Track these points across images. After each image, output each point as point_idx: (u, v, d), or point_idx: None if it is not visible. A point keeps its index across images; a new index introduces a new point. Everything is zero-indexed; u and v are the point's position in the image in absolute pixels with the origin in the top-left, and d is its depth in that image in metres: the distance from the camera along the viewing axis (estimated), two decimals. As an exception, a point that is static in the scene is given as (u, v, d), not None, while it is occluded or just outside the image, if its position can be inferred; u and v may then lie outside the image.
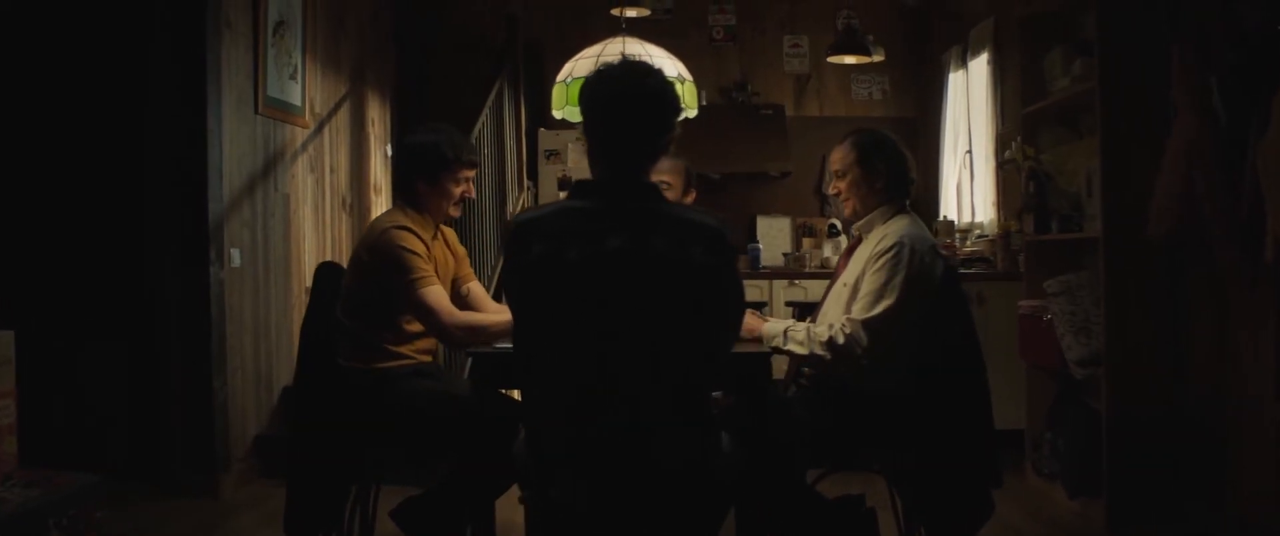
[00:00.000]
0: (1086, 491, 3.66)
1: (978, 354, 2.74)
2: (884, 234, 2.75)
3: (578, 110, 3.16)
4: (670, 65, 3.01)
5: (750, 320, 2.88)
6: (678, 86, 2.95)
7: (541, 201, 6.86)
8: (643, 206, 2.04)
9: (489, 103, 5.54)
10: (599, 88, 2.09)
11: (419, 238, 2.80)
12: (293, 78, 4.82)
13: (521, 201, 6.12)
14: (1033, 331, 3.99)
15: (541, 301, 2.04)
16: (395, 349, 2.83)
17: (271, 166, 4.62)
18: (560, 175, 6.81)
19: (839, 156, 2.85)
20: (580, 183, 2.12)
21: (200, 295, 4.07)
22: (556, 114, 3.63)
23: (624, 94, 2.06)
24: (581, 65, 3.13)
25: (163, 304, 4.16)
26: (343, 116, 5.52)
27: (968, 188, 5.64)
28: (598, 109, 2.08)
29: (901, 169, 2.84)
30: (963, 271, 4.83)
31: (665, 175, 3.47)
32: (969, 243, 5.26)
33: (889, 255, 2.65)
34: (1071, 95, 3.80)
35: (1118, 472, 3.48)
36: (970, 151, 5.58)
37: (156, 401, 4.21)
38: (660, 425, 2.00)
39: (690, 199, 3.53)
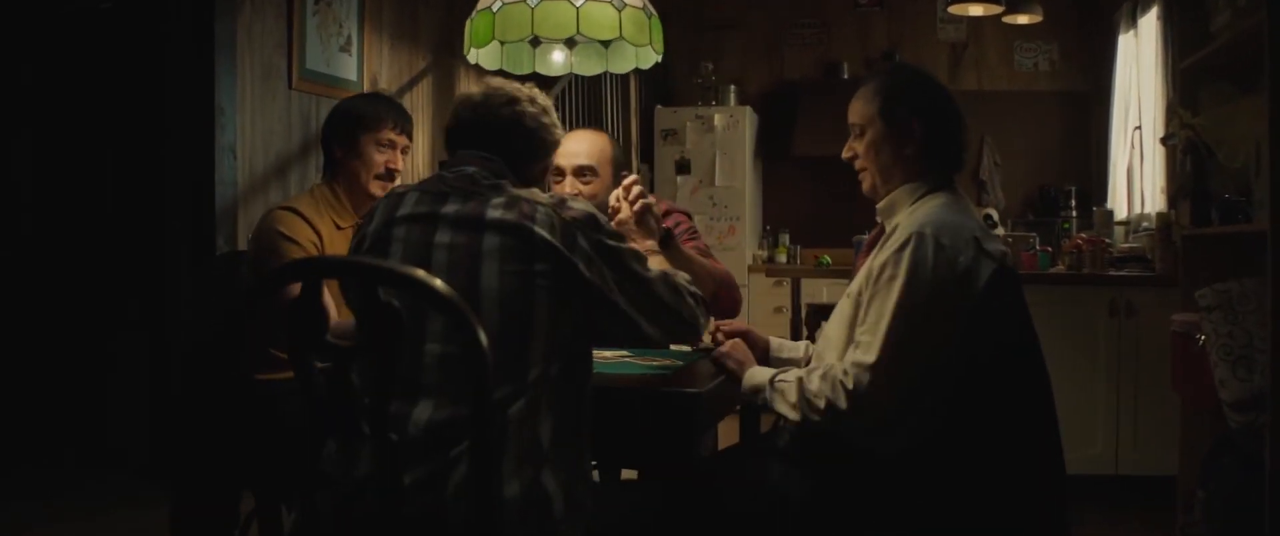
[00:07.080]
0: (1241, 574, 2.70)
1: (1043, 392, 1.91)
2: (900, 223, 1.97)
3: (484, 53, 2.56)
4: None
5: (740, 348, 2.15)
6: (618, 17, 2.26)
7: (657, 187, 6.25)
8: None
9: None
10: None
11: (305, 222, 2.30)
12: (344, 49, 4.44)
13: (628, 186, 5.53)
14: (1185, 355, 3.02)
15: None
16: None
17: (312, 145, 4.25)
18: (677, 157, 6.21)
19: (857, 106, 2.03)
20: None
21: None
22: (466, 52, 2.67)
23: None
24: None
25: (174, 298, 3.85)
26: (423, 92, 5.12)
27: (1139, 171, 4.58)
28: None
29: (946, 131, 2.03)
30: (1112, 273, 3.84)
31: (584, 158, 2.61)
32: (1128, 237, 4.20)
33: (903, 255, 1.83)
34: (1235, 36, 2.82)
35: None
36: (1140, 128, 4.52)
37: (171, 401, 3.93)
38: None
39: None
